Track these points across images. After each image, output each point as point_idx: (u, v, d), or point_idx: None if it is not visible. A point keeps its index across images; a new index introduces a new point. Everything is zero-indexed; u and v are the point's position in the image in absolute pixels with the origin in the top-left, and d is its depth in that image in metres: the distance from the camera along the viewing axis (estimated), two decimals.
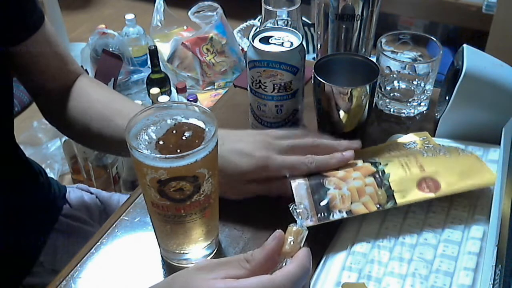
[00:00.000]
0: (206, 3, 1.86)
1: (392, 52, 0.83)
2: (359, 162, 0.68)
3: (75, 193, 0.93)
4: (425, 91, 0.81)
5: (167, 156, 0.52)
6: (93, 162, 1.65)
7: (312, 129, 0.79)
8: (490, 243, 0.55)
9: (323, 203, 0.62)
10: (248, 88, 0.75)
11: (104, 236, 0.66)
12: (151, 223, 0.61)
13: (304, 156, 0.67)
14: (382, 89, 0.83)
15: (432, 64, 0.79)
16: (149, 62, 1.72)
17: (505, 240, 0.51)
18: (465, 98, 0.72)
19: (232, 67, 1.87)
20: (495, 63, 0.75)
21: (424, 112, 0.84)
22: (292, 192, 0.64)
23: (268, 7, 0.80)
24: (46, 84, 0.79)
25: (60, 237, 0.86)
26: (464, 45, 0.75)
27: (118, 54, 1.74)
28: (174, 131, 0.55)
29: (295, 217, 0.51)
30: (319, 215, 0.61)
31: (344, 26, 0.78)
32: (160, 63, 1.73)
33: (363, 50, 0.81)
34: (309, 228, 0.50)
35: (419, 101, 0.82)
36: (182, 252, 0.61)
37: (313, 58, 0.97)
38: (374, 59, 0.76)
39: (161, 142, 0.54)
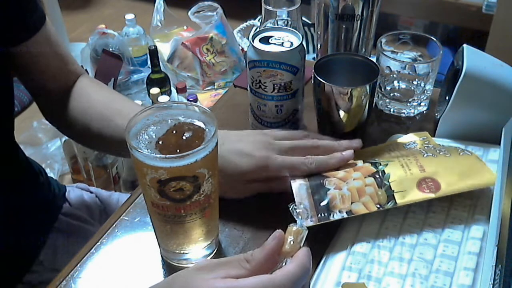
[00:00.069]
0: (206, 3, 1.86)
1: (392, 52, 0.83)
2: (359, 162, 0.68)
3: (74, 192, 0.93)
4: (425, 91, 0.81)
5: (167, 156, 0.52)
6: (93, 162, 1.65)
7: (312, 129, 0.79)
8: (490, 243, 0.55)
9: (323, 203, 0.62)
10: (248, 88, 0.75)
11: (104, 236, 0.66)
12: (151, 223, 0.61)
13: (304, 157, 0.67)
14: (382, 89, 0.83)
15: (432, 64, 0.79)
16: (149, 62, 1.72)
17: (505, 240, 0.51)
18: (465, 98, 0.72)
19: (232, 67, 1.87)
20: (495, 63, 0.75)
21: (424, 112, 0.84)
22: (292, 192, 0.64)
23: (268, 7, 0.80)
24: (46, 84, 0.79)
25: (60, 237, 0.86)
26: (464, 45, 0.75)
27: (118, 54, 1.74)
28: (174, 131, 0.55)
29: (295, 217, 0.51)
30: (319, 215, 0.61)
31: (344, 26, 0.78)
32: (160, 63, 1.73)
33: (363, 50, 0.81)
34: (309, 228, 0.51)
35: (419, 101, 0.82)
36: (182, 252, 0.61)
37: (313, 58, 0.97)
38: (374, 59, 0.76)
39: (161, 142, 0.54)
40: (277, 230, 0.49)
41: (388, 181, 0.64)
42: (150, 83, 1.72)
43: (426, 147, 0.70)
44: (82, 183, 1.34)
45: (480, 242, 0.59)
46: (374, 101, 0.78)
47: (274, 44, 0.71)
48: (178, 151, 0.52)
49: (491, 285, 0.50)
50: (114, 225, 0.68)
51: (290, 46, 0.70)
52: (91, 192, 0.95)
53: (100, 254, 0.64)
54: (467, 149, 0.70)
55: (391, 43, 0.83)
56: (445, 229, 0.61)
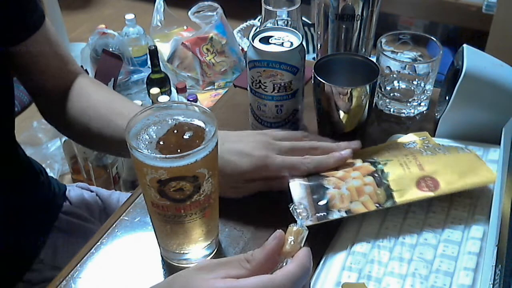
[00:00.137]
0: (206, 3, 1.86)
1: (392, 52, 0.83)
2: (358, 162, 0.68)
3: (75, 191, 0.93)
4: (425, 91, 0.81)
5: (167, 156, 0.52)
6: (93, 162, 1.65)
7: (312, 129, 0.79)
8: (490, 243, 0.55)
9: (322, 202, 0.62)
10: (248, 88, 0.75)
11: (104, 236, 0.66)
12: (151, 223, 0.61)
13: (303, 157, 0.67)
14: (382, 89, 0.83)
15: (432, 64, 0.79)
16: (149, 62, 1.72)
17: (505, 240, 0.51)
18: (465, 98, 0.72)
19: (232, 67, 1.87)
20: (495, 63, 0.75)
21: (424, 112, 0.84)
22: (290, 192, 0.64)
23: (268, 7, 0.80)
24: (46, 84, 0.79)
25: (60, 236, 0.86)
26: (464, 45, 0.75)
27: (118, 54, 1.74)
28: (174, 131, 0.55)
29: (295, 217, 0.51)
30: (318, 214, 0.61)
31: (344, 26, 0.78)
32: (160, 63, 1.73)
33: (363, 50, 0.81)
34: (309, 227, 0.50)
35: (419, 101, 0.82)
36: (182, 252, 0.61)
37: (313, 58, 0.97)
38: (374, 59, 0.76)
39: (161, 142, 0.54)
40: (278, 230, 0.49)
41: (387, 180, 0.64)
42: (150, 83, 1.72)
43: (425, 147, 0.70)
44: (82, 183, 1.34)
45: (480, 242, 0.59)
46: (374, 101, 0.78)
47: (274, 44, 0.71)
48: (178, 151, 0.52)
49: (491, 285, 0.50)
50: (114, 225, 0.68)
51: (290, 46, 0.70)
52: (92, 191, 0.94)
53: (100, 254, 0.64)
54: (466, 148, 0.70)
55: (391, 43, 0.83)
56: (445, 229, 0.61)
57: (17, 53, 0.73)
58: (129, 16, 1.87)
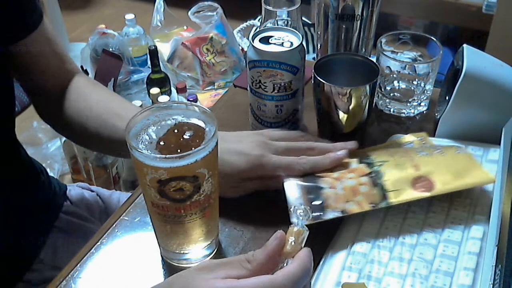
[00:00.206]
0: (206, 3, 1.86)
1: (392, 52, 0.83)
2: (354, 163, 0.68)
3: (75, 190, 0.93)
4: (425, 91, 0.81)
5: (167, 156, 0.52)
6: (93, 162, 1.65)
7: (312, 129, 0.79)
8: (490, 243, 0.55)
9: (317, 202, 0.62)
10: (248, 88, 0.75)
11: (104, 236, 0.66)
12: (151, 223, 0.61)
13: (298, 157, 0.67)
14: (382, 89, 0.83)
15: (432, 64, 0.79)
16: (149, 62, 1.72)
17: (505, 240, 0.51)
18: (465, 98, 0.72)
19: (232, 67, 1.87)
20: (495, 63, 0.75)
21: (424, 112, 0.84)
22: (284, 192, 0.64)
23: (268, 7, 0.80)
24: (45, 84, 0.79)
25: (61, 235, 0.86)
26: (464, 45, 0.75)
27: (118, 54, 1.74)
28: (174, 131, 0.55)
29: (295, 217, 0.51)
30: (313, 214, 0.61)
31: (344, 26, 0.78)
32: (160, 63, 1.73)
33: (363, 50, 0.81)
34: (308, 227, 0.50)
35: (419, 101, 0.82)
36: (182, 252, 0.61)
37: (313, 58, 0.97)
38: (374, 59, 0.76)
39: (161, 143, 0.54)
40: (278, 230, 0.49)
41: (383, 180, 0.64)
42: (150, 83, 1.72)
43: (422, 147, 0.70)
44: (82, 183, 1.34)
45: (480, 242, 0.59)
46: (374, 101, 0.78)
47: (274, 44, 0.71)
48: (178, 151, 0.52)
49: (491, 285, 0.50)
50: (114, 225, 0.68)
51: (290, 46, 0.70)
52: (92, 191, 0.94)
53: (100, 254, 0.64)
54: (467, 149, 0.70)
55: (391, 43, 0.83)
56: (445, 229, 0.61)
57: (17, 53, 0.73)
58: (129, 16, 1.88)
